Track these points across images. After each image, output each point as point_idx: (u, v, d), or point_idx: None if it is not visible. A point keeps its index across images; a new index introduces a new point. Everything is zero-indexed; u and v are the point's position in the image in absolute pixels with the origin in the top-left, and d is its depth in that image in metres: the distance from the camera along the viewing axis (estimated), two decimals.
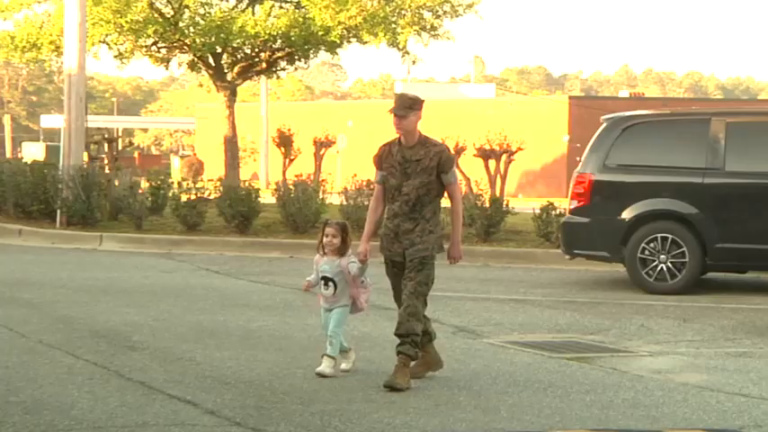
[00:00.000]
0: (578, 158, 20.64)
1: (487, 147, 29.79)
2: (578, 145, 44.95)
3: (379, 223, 11.05)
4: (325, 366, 10.80)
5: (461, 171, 28.63)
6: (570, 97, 77.93)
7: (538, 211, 23.94)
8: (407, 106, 10.69)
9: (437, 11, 36.81)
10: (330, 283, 10.88)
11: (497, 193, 27.08)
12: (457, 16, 37.34)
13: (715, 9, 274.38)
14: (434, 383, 10.92)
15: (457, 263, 11.18)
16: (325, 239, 10.97)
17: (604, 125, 19.42)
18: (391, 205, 10.82)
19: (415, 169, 10.66)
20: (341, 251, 10.90)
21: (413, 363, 10.70)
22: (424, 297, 10.79)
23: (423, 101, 10.92)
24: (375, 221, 11.04)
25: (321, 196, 26.49)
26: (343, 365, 11.09)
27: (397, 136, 10.91)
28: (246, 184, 29.23)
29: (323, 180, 28.50)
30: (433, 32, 37.22)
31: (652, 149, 19.02)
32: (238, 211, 25.95)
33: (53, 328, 13.86)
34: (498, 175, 29.41)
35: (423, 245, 10.69)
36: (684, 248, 18.13)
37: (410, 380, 10.55)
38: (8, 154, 75.69)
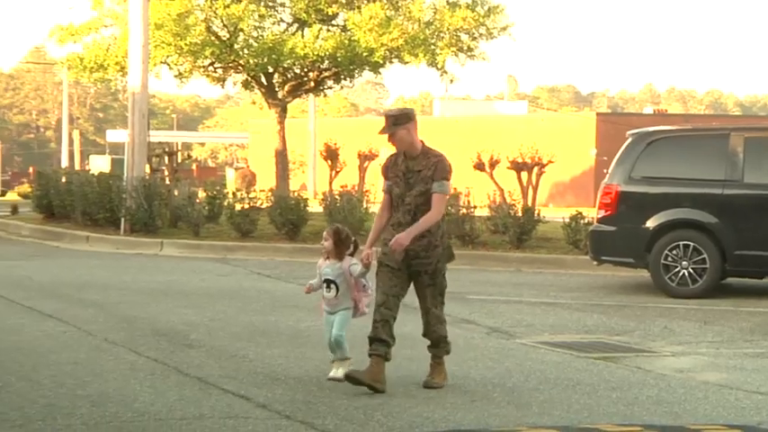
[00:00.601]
0: (605, 171, 20.58)
1: (520, 160, 29.75)
2: (605, 158, 44.75)
3: (381, 231, 10.55)
4: (336, 371, 10.38)
5: (495, 182, 28.66)
6: (598, 113, 77.69)
7: (567, 220, 23.89)
8: (392, 123, 10.29)
9: (473, 33, 36.83)
10: (332, 286, 10.45)
11: (529, 203, 27.00)
12: (492, 38, 37.35)
13: (734, 31, 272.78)
14: (470, 381, 10.87)
15: (395, 250, 10.10)
16: (322, 243, 10.72)
17: (630, 140, 19.40)
18: (396, 214, 10.42)
19: (416, 179, 10.28)
20: (338, 254, 10.46)
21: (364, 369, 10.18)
22: (443, 302, 10.63)
23: (409, 112, 10.58)
24: (379, 229, 10.56)
25: (365, 206, 26.48)
26: (336, 373, 10.40)
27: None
28: (296, 194, 29.24)
29: (366, 191, 28.52)
30: (469, 53, 37.22)
31: (675, 162, 18.95)
32: (288, 219, 25.99)
33: (117, 327, 13.90)
34: (530, 187, 29.35)
35: (428, 259, 10.34)
36: (705, 255, 18.05)
37: (446, 377, 10.48)
38: (77, 166, 75.97)
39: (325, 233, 10.63)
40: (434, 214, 10.23)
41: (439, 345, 10.46)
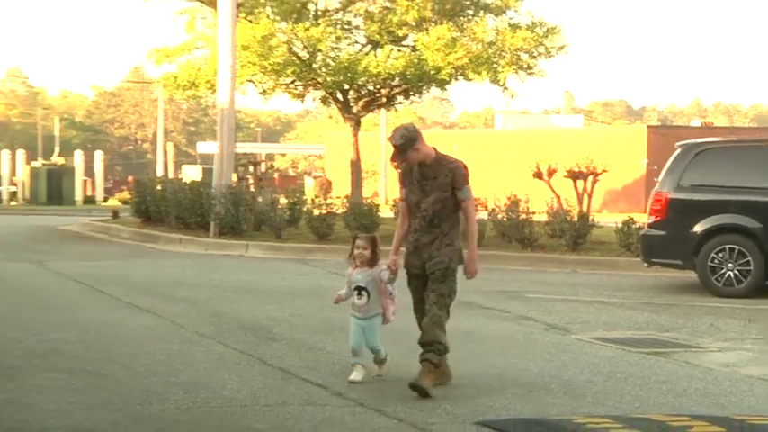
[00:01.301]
0: (655, 179, 20.43)
1: (576, 169, 29.69)
2: (655, 167, 44.35)
3: (404, 237, 10.03)
4: (357, 374, 9.95)
5: (553, 190, 28.54)
6: (648, 126, 77.09)
7: (620, 225, 23.76)
8: (402, 151, 9.69)
9: (533, 52, 36.72)
10: (363, 293, 9.89)
11: (584, 209, 26.89)
12: (550, 57, 37.21)
13: None
14: (529, 373, 10.80)
15: (473, 278, 9.92)
16: (356, 252, 9.97)
17: (679, 150, 19.30)
18: (413, 221, 9.90)
19: (431, 186, 9.72)
20: (371, 262, 9.92)
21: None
22: (447, 308, 9.85)
23: (412, 135, 9.75)
24: (401, 235, 10.03)
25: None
26: (355, 377, 9.97)
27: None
28: (368, 200, 29.24)
29: None
30: (528, 71, 37.11)
31: (721, 171, 18.81)
32: (361, 223, 26.00)
33: (207, 322, 13.97)
34: (585, 194, 29.26)
35: (440, 257, 9.71)
36: (749, 258, 17.93)
37: (435, 385, 9.63)
38: (171, 175, 76.54)
39: (360, 242, 10.02)
40: (473, 222, 9.92)
41: (432, 348, 9.63)
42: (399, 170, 10.27)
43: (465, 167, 9.89)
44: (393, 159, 9.98)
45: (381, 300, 9.97)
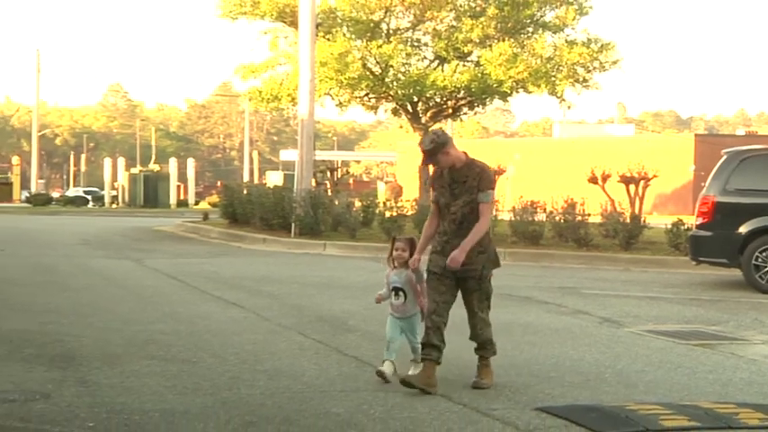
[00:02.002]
0: (703, 184, 20.27)
1: (628, 175, 29.46)
2: (702, 173, 44.04)
3: (431, 238, 9.37)
4: (416, 369, 9.27)
5: (607, 193, 28.33)
6: (696, 135, 76.35)
7: (669, 226, 23.61)
8: (432, 155, 9.14)
9: (588, 67, 36.68)
10: (401, 293, 9.38)
11: (636, 212, 26.66)
12: (604, 70, 37.15)
13: None
14: (585, 363, 10.71)
15: (452, 267, 8.98)
16: (395, 253, 9.45)
17: (725, 157, 19.13)
18: (443, 223, 9.27)
19: (461, 189, 9.13)
20: (407, 263, 9.36)
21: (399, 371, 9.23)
22: (489, 306, 9.34)
23: (441, 140, 9.21)
24: (428, 236, 9.36)
25: (494, 213, 26.36)
26: (385, 369, 9.38)
27: None
28: None
29: (496, 200, 28.35)
30: (584, 84, 37.06)
31: (764, 176, 18.62)
32: None
33: (288, 314, 14.01)
34: (637, 197, 29.01)
35: (473, 266, 9.08)
36: None
37: (493, 376, 9.33)
38: (255, 180, 77.03)
39: (399, 243, 9.48)
40: (484, 224, 9.15)
41: (486, 347, 9.35)
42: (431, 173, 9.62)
43: (493, 173, 9.43)
44: (424, 163, 9.52)
45: (417, 299, 9.41)
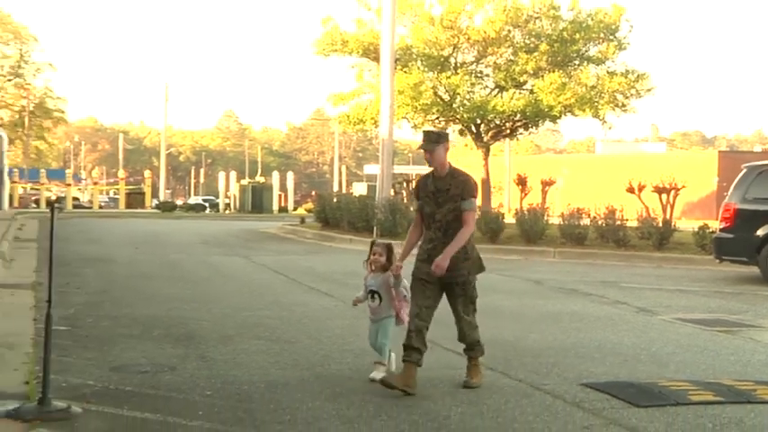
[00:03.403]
0: (725, 194, 19.98)
1: (661, 185, 29.16)
2: (724, 184, 43.40)
3: (413, 246, 8.42)
4: (377, 373, 8.32)
5: (642, 201, 28.03)
6: (719, 151, 75.27)
7: (696, 230, 23.38)
8: (434, 141, 8.24)
9: (626, 93, 36.44)
10: (376, 296, 8.42)
11: (667, 217, 26.36)
12: (639, 97, 36.82)
13: None
14: (623, 346, 10.61)
15: (436, 273, 8.03)
16: (372, 257, 8.54)
17: (744, 170, 18.94)
18: (427, 231, 8.27)
19: (444, 198, 8.13)
20: (385, 268, 8.40)
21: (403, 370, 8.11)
22: (474, 310, 8.40)
23: (447, 134, 8.62)
24: (411, 244, 8.41)
25: (545, 218, 26.25)
26: (375, 375, 8.35)
27: (432, 169, 8.39)
28: (495, 210, 29.12)
29: (546, 207, 28.23)
30: (623, 108, 36.79)
31: None
32: (490, 227, 25.93)
33: None
34: (668, 205, 28.68)
35: (458, 271, 8.14)
36: None
37: (481, 376, 8.40)
38: (344, 190, 77.32)
39: (378, 249, 8.53)
40: (467, 231, 8.13)
41: (473, 348, 8.40)
42: (414, 186, 8.83)
43: (474, 182, 8.36)
44: (422, 147, 8.31)
45: (393, 303, 8.41)
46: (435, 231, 8.20)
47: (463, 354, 8.65)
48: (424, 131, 8.48)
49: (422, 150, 8.29)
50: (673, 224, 24.66)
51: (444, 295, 8.33)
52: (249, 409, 7.24)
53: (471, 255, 8.26)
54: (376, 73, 35.71)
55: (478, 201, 38.27)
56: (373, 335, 8.51)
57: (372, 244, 8.69)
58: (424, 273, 8.16)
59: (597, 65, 37.17)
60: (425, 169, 8.81)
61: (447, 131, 7.94)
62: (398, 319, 8.45)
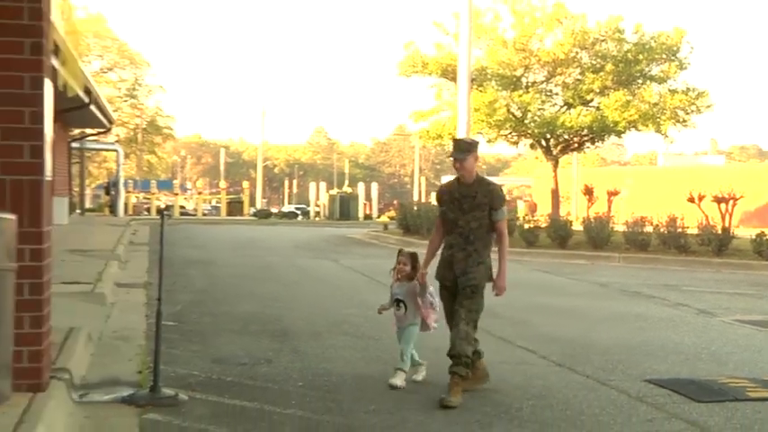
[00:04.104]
0: None
1: (720, 195, 28.57)
2: None
3: (435, 252, 7.84)
4: (397, 378, 7.75)
5: (702, 210, 27.48)
6: None
7: (753, 237, 22.97)
8: (465, 150, 7.57)
9: (687, 110, 35.87)
10: (401, 305, 7.88)
11: (726, 225, 25.82)
12: (699, 113, 36.21)
13: None
14: (684, 346, 10.43)
15: (501, 295, 7.65)
16: (398, 266, 8.01)
17: None
18: (448, 237, 7.68)
19: (470, 205, 7.51)
20: (410, 276, 7.89)
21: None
22: (475, 322, 7.57)
23: (477, 143, 7.89)
24: (433, 250, 7.82)
25: (610, 226, 25.94)
26: (416, 377, 7.97)
27: (456, 176, 7.76)
28: (563, 218, 28.82)
29: (612, 216, 27.87)
30: (683, 123, 36.17)
31: None
32: (559, 234, 25.70)
33: None
34: (727, 214, 28.07)
35: (472, 274, 7.51)
36: None
37: (462, 395, 7.34)
38: (423, 200, 77.26)
39: (403, 258, 7.99)
40: (506, 241, 7.68)
41: (459, 361, 7.35)
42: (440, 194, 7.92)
43: (503, 192, 7.75)
44: (453, 155, 7.65)
45: (419, 310, 7.85)
46: (456, 237, 7.61)
47: (528, 350, 8.62)
48: (454, 140, 7.89)
49: (452, 159, 7.69)
50: (731, 232, 24.23)
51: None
52: (337, 399, 7.29)
53: (486, 261, 7.64)
54: (453, 92, 35.66)
55: (548, 209, 37.90)
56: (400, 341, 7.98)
57: (399, 254, 8.15)
58: (447, 279, 7.63)
59: (659, 83, 36.63)
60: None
61: (477, 140, 8.40)
62: (425, 325, 7.95)
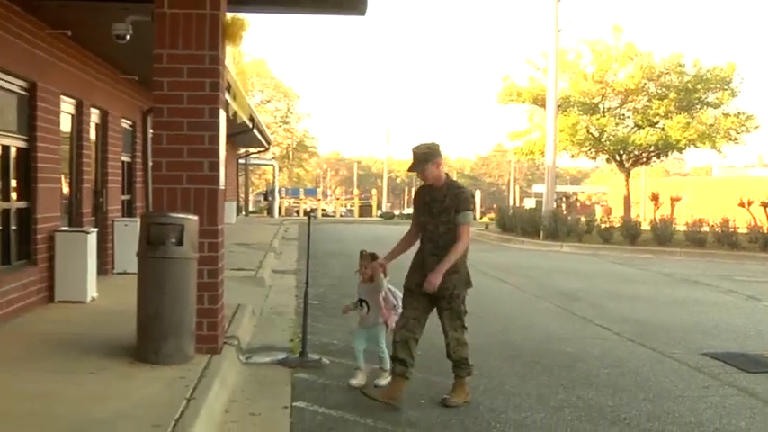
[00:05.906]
0: None
1: (766, 201, 27.34)
2: None
3: (400, 253, 6.24)
4: (355, 379, 6.46)
5: (751, 213, 26.28)
6: None
7: None
8: (421, 161, 5.98)
9: (738, 130, 34.69)
10: (364, 304, 6.49)
11: None
12: (748, 132, 34.96)
13: None
14: (735, 326, 9.97)
15: (429, 289, 5.87)
16: (361, 269, 6.54)
17: None
18: (420, 241, 6.15)
19: (438, 209, 5.98)
20: (372, 278, 6.42)
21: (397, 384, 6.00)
22: (462, 326, 6.08)
23: (435, 149, 6.07)
24: (398, 250, 6.23)
25: (673, 226, 25.11)
26: (353, 381, 6.44)
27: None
28: (633, 220, 27.98)
29: (674, 218, 26.92)
30: (735, 141, 34.96)
31: None
32: (630, 232, 24.99)
33: (538, 288, 13.82)
34: None
35: (444, 284, 5.89)
36: None
37: (468, 396, 6.14)
38: (518, 204, 76.30)
39: (364, 261, 6.52)
40: (461, 245, 5.92)
41: (460, 366, 6.13)
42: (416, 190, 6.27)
43: (470, 195, 6.15)
44: (410, 169, 6.16)
45: (381, 311, 6.46)
46: (427, 242, 6.08)
47: (604, 328, 8.39)
48: (412, 152, 6.11)
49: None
50: None
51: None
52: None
53: (460, 269, 6.02)
54: (543, 116, 35.10)
55: (621, 212, 37.02)
56: (359, 340, 6.62)
57: (360, 256, 6.63)
58: (413, 283, 6.07)
59: (714, 108, 35.38)
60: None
61: (436, 145, 6.11)
62: (387, 326, 6.49)
